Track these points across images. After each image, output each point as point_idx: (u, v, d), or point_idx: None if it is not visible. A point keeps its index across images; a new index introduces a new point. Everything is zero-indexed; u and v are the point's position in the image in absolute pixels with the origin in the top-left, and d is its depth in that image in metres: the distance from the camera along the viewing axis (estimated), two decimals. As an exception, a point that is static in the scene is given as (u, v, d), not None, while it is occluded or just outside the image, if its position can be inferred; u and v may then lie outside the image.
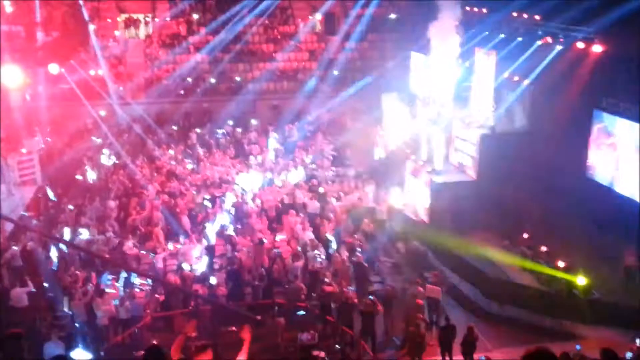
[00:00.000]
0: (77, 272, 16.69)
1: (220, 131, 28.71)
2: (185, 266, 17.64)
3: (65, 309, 16.08)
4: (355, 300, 16.11)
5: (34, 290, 16.37)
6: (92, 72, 29.41)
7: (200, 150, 26.67)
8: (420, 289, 16.58)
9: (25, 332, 14.03)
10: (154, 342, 10.24)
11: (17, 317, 15.49)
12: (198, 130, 28.58)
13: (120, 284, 16.91)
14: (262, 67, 31.77)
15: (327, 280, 16.82)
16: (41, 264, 17.60)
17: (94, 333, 15.36)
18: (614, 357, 8.96)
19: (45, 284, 17.24)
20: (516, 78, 22.77)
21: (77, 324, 15.49)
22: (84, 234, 18.85)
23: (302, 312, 16.29)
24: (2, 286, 16.44)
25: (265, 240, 19.04)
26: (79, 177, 23.64)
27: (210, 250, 19.11)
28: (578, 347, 12.46)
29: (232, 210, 21.26)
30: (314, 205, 21.56)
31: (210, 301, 16.22)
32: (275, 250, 18.79)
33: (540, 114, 22.58)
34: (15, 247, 17.77)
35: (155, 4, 33.38)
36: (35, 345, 13.34)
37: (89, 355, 14.25)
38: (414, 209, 21.82)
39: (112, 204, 21.14)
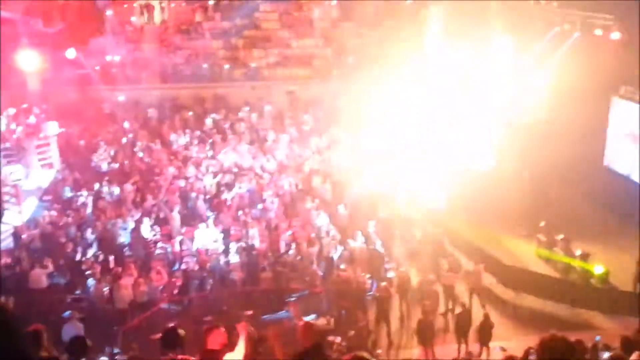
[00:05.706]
0: (95, 255, 16.84)
1: (235, 117, 28.72)
2: (201, 250, 17.75)
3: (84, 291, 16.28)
4: (369, 286, 16.15)
5: (52, 271, 16.60)
6: (108, 58, 29.46)
7: (216, 136, 26.68)
8: (436, 276, 16.60)
9: (44, 313, 14.42)
10: (172, 324, 10.29)
11: (35, 299, 15.73)
12: (213, 116, 28.60)
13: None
14: (277, 53, 31.71)
15: (342, 266, 16.87)
16: (59, 247, 17.80)
17: (112, 315, 15.53)
18: (633, 345, 8.95)
19: (64, 267, 17.45)
20: (533, 65, 22.60)
21: (95, 306, 15.68)
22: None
23: None
24: (21, 268, 16.64)
25: (281, 225, 19.09)
26: (96, 161, 23.79)
27: (225, 235, 19.18)
28: (597, 338, 12.37)
29: (248, 196, 21.31)
30: (329, 192, 21.55)
31: (226, 286, 16.35)
32: (290, 236, 18.84)
33: (558, 102, 22.43)
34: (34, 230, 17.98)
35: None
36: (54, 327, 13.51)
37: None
38: (431, 195, 21.75)
39: (129, 188, 21.27)
